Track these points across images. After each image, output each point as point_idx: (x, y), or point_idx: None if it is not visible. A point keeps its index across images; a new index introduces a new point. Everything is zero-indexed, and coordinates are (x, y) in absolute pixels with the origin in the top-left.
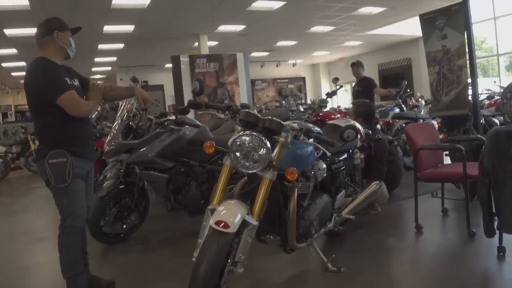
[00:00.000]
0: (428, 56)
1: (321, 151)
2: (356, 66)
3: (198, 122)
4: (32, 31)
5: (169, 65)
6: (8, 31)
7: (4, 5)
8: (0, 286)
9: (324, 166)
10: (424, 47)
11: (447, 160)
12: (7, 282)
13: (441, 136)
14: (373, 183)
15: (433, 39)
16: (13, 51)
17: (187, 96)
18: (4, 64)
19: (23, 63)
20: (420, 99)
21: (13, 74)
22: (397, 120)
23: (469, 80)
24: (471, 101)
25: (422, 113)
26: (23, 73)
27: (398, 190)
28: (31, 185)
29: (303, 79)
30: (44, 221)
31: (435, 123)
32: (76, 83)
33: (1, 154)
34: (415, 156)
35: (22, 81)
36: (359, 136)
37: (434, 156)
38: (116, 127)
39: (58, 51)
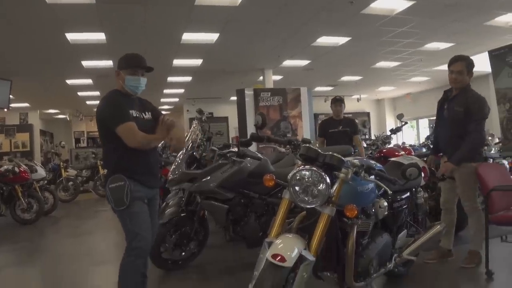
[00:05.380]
0: (498, 93)
1: (383, 188)
2: (339, 103)
3: (259, 155)
4: (107, 63)
5: (234, 98)
6: (85, 63)
7: (83, 39)
8: None
9: (385, 204)
10: (493, 84)
11: None
12: None
13: None
14: (437, 223)
15: (503, 76)
16: (88, 81)
17: (251, 128)
18: (80, 93)
19: (97, 93)
20: (489, 138)
21: (88, 102)
22: None
23: None
24: None
25: (492, 152)
26: (97, 102)
27: (466, 232)
28: (98, 208)
29: (368, 114)
30: (107, 244)
31: (506, 163)
32: (147, 116)
33: (72, 177)
34: (486, 198)
35: (95, 109)
36: (422, 175)
37: (506, 198)
38: (181, 157)
39: (121, 86)
